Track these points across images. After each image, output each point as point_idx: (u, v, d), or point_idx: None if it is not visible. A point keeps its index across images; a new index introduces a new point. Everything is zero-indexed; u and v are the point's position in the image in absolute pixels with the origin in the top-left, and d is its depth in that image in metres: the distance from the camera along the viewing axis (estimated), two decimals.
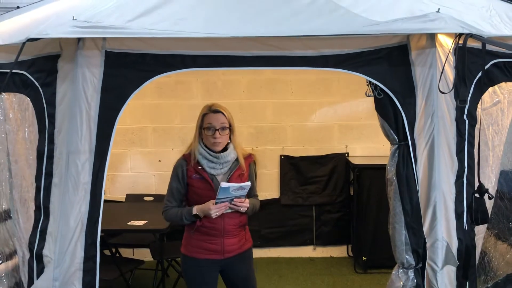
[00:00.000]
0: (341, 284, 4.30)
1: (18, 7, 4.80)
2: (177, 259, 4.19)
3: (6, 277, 2.61)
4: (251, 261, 2.87)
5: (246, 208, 2.65)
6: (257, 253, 4.75)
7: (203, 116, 2.66)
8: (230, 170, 2.68)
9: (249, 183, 2.60)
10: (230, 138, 2.70)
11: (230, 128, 2.68)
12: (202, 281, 2.73)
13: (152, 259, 4.13)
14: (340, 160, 4.84)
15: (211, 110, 2.63)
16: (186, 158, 2.71)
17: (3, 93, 2.69)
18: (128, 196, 4.53)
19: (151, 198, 4.53)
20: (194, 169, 2.66)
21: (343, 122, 4.84)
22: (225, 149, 2.67)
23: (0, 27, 2.92)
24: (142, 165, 4.84)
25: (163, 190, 4.59)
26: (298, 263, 4.78)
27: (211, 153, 2.64)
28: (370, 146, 4.80)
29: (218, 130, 2.61)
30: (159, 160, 4.86)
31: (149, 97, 4.69)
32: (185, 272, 2.79)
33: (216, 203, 2.54)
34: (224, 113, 2.65)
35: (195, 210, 2.61)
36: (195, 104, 4.76)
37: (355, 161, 4.68)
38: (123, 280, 3.89)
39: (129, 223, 3.82)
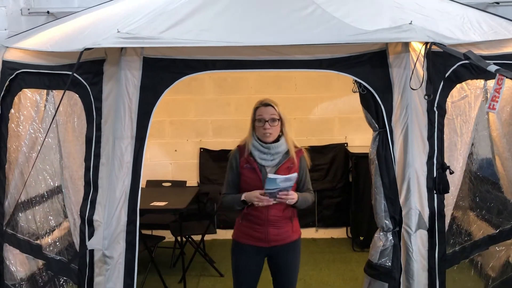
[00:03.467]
0: (340, 261, 4.94)
1: (48, 12, 5.50)
2: (192, 236, 4.86)
3: (60, 240, 3.28)
4: (295, 253, 3.06)
5: (292, 201, 2.86)
6: None
7: (255, 109, 2.99)
8: (280, 162, 2.94)
9: (295, 174, 2.82)
10: (282, 131, 2.98)
11: (280, 121, 2.96)
12: (245, 265, 3.02)
13: (169, 241, 4.79)
14: (340, 149, 5.46)
15: (262, 103, 2.97)
16: (240, 149, 3.02)
17: (54, 91, 3.37)
18: (148, 182, 5.18)
19: (169, 184, 5.19)
20: (246, 159, 2.96)
21: (343, 115, 5.45)
22: (276, 140, 2.96)
23: (46, 36, 3.59)
24: (160, 155, 5.49)
25: (179, 176, 5.34)
26: (302, 243, 5.39)
27: (263, 144, 2.93)
28: (367, 136, 5.25)
29: (268, 121, 2.91)
30: (175, 150, 5.52)
31: (166, 92, 5.34)
32: (232, 255, 3.09)
33: (265, 193, 2.78)
34: (274, 106, 2.95)
35: (243, 196, 2.90)
36: (208, 99, 5.46)
37: (353, 150, 5.30)
38: (147, 255, 4.56)
39: (151, 204, 4.49)
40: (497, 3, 5.19)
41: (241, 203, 2.93)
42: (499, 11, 5.25)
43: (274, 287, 3.14)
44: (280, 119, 2.97)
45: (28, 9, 5.35)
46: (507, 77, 2.09)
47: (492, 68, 2.17)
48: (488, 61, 2.92)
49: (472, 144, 3.42)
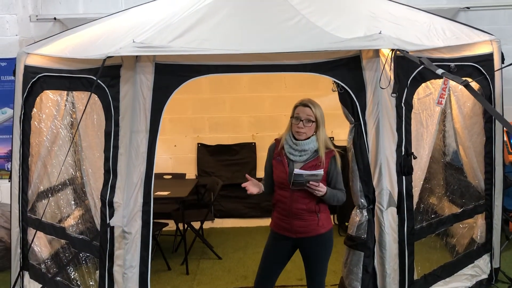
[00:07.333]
0: None
1: (55, 18, 6.11)
2: (192, 223, 5.48)
3: (81, 222, 3.91)
4: (323, 246, 3.32)
5: (320, 192, 3.12)
6: (258, 222, 6.08)
7: (295, 107, 3.31)
8: (308, 159, 3.24)
9: (321, 171, 3.07)
10: (315, 132, 3.28)
11: (316, 122, 3.25)
12: (272, 250, 3.40)
13: (169, 229, 5.41)
14: None
15: (302, 103, 3.29)
16: (276, 142, 3.41)
17: (73, 92, 3.98)
18: None
19: (169, 176, 5.83)
20: (279, 152, 3.33)
21: (329, 111, 5.87)
22: (307, 139, 3.25)
23: (63, 44, 4.20)
24: (160, 150, 6.04)
25: (178, 169, 6.01)
26: None
27: (293, 140, 3.26)
28: None
29: (303, 120, 3.22)
30: (175, 145, 6.14)
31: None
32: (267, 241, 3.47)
33: (293, 184, 3.11)
34: (312, 107, 3.24)
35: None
36: (205, 98, 6.11)
37: (339, 143, 5.90)
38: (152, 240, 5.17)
39: (155, 194, 5.10)
40: (468, 8, 5.88)
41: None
42: (470, 15, 5.97)
43: (306, 275, 3.47)
44: (316, 121, 3.26)
45: (36, 16, 5.97)
46: (450, 79, 2.74)
47: (439, 71, 2.82)
48: (447, 63, 3.63)
49: (444, 135, 4.10)
